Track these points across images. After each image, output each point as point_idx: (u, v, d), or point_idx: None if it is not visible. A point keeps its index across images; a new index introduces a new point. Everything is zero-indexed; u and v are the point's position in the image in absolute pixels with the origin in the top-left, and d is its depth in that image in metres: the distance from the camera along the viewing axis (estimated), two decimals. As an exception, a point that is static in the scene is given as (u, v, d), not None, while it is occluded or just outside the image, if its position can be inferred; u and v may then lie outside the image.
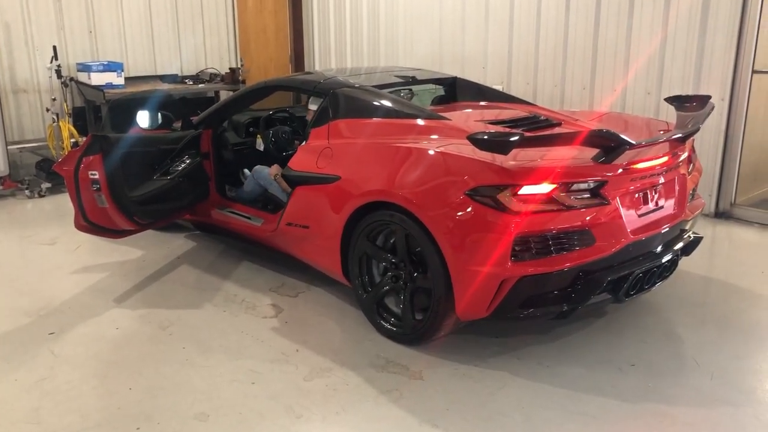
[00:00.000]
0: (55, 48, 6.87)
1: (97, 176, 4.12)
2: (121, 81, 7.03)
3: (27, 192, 6.57)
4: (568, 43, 6.33)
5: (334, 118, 4.04)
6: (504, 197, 3.03)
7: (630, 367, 3.34)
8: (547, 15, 6.44)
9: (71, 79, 7.10)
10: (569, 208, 3.09)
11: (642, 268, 3.32)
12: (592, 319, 3.81)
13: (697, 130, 3.62)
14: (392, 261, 3.55)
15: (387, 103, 3.96)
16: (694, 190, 3.88)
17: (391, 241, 3.56)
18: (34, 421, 2.93)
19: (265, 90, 4.79)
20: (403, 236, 3.42)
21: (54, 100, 6.89)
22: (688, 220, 3.72)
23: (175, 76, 7.97)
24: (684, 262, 3.97)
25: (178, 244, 5.17)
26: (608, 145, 3.13)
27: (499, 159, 3.13)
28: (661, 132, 3.89)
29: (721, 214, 5.69)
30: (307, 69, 9.18)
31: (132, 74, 7.65)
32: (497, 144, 3.04)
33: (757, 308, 4.00)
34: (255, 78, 8.39)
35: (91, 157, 4.12)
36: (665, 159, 3.45)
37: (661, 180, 3.47)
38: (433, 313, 3.34)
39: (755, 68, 5.34)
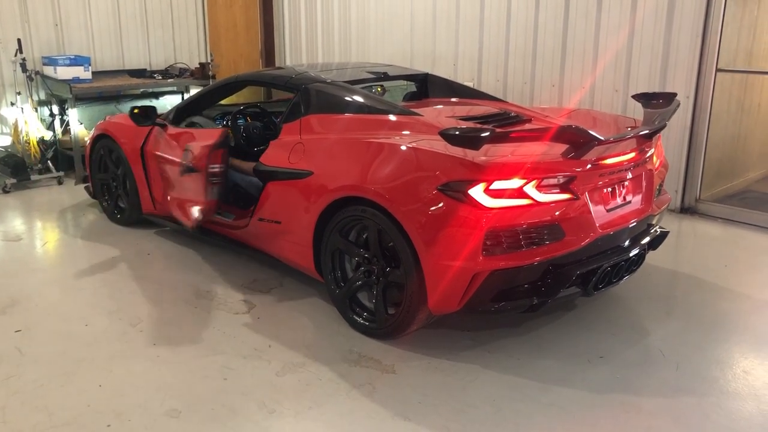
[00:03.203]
0: (19, 41, 6.72)
1: (218, 170, 4.24)
2: (88, 75, 6.91)
3: (-9, 188, 6.44)
4: (537, 42, 6.41)
5: (306, 113, 4.03)
6: (475, 192, 3.06)
7: (599, 359, 3.40)
8: (517, 14, 6.51)
9: (37, 72, 6.95)
10: (539, 203, 3.14)
11: (610, 262, 3.38)
12: (562, 313, 3.87)
13: (664, 126, 3.70)
14: (365, 256, 3.55)
15: (359, 98, 3.97)
16: (660, 185, 3.96)
17: (364, 236, 3.57)
18: (0, 420, 2.88)
19: (236, 85, 4.77)
20: (376, 231, 3.43)
21: (19, 94, 6.75)
22: (655, 215, 3.79)
23: (144, 70, 7.86)
24: (650, 256, 4.05)
25: (147, 240, 5.11)
26: (577, 140, 3.18)
27: (470, 154, 3.16)
28: (629, 128, 3.96)
29: (686, 210, 5.81)
30: (277, 65, 9.13)
31: (99, 69, 7.52)
32: (468, 139, 3.07)
33: (720, 301, 4.10)
34: (225, 73, 8.32)
35: (218, 151, 4.21)
36: (633, 155, 3.52)
37: (629, 175, 3.54)
38: (405, 308, 3.35)
39: (719, 67, 5.46)
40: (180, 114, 4.85)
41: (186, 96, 7.85)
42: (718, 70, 5.47)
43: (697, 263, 4.74)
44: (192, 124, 4.98)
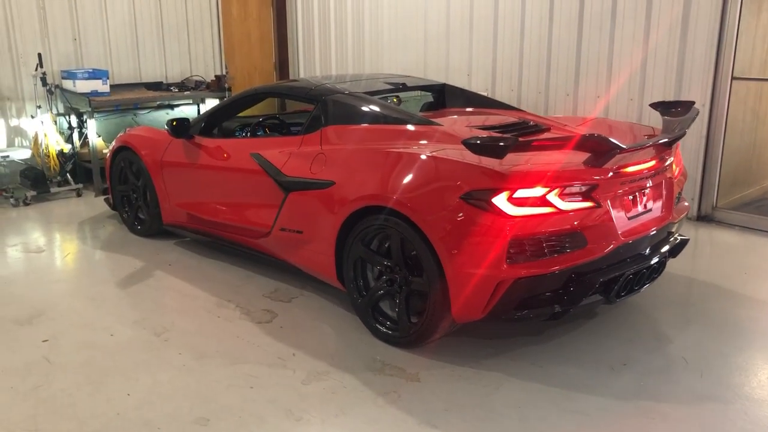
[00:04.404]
0: (40, 55, 6.83)
1: None
2: (106, 89, 7.01)
3: (12, 200, 6.51)
4: (551, 53, 6.44)
5: (327, 124, 4.08)
6: (499, 201, 3.08)
7: (622, 366, 3.41)
8: (531, 26, 6.55)
9: (56, 86, 7.05)
10: (562, 211, 3.16)
11: (632, 270, 3.39)
12: (583, 321, 3.88)
13: (683, 134, 3.72)
14: (387, 265, 3.58)
15: (380, 109, 4.02)
16: (679, 193, 3.97)
17: (386, 245, 3.59)
18: (32, 428, 2.91)
19: (256, 96, 4.83)
20: (399, 240, 3.45)
21: (39, 107, 6.84)
22: (675, 223, 3.81)
23: (160, 83, 7.95)
24: (669, 264, 4.05)
25: (168, 251, 5.16)
26: (600, 149, 3.21)
27: (492, 163, 3.19)
28: (646, 137, 3.98)
29: (703, 217, 5.81)
30: (291, 77, 9.21)
31: (116, 82, 7.62)
32: (493, 148, 3.11)
33: (740, 308, 4.09)
34: (239, 86, 8.41)
35: None
36: (653, 163, 3.54)
37: (649, 183, 3.56)
38: (428, 316, 3.38)
39: (734, 75, 5.48)
40: (208, 125, 4.91)
41: (202, 108, 7.95)
42: (733, 78, 5.48)
43: (716, 271, 4.74)
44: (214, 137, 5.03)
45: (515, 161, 3.26)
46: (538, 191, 3.12)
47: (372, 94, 4.41)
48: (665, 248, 3.67)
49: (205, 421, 2.96)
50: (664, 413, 3.01)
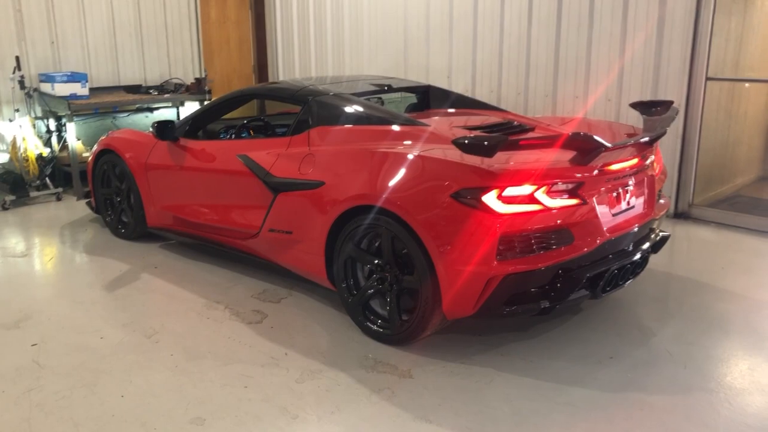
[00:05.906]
0: (17, 58, 6.75)
1: None
2: (85, 92, 6.95)
3: (-10, 205, 6.43)
4: (530, 54, 6.54)
5: (315, 125, 4.11)
6: (488, 199, 3.15)
7: (609, 359, 3.49)
8: (510, 27, 6.64)
9: (34, 89, 6.97)
10: (549, 208, 3.23)
11: (617, 265, 3.48)
12: (568, 316, 3.97)
13: (664, 133, 3.82)
14: (378, 263, 3.62)
15: (368, 110, 4.06)
16: (659, 191, 4.08)
17: (376, 244, 3.64)
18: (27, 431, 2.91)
19: (242, 99, 4.85)
20: (389, 239, 3.50)
21: (17, 111, 6.76)
22: (656, 219, 3.91)
23: (139, 86, 7.91)
24: (650, 260, 4.15)
25: (153, 254, 5.14)
26: (586, 147, 3.29)
27: (482, 162, 3.25)
28: (627, 136, 4.08)
29: (680, 215, 5.95)
30: (271, 79, 9.21)
31: (95, 85, 7.55)
32: (482, 147, 3.17)
33: (719, 302, 4.21)
34: (219, 88, 8.40)
35: None
36: (636, 161, 3.64)
37: (632, 181, 3.65)
38: (420, 313, 3.43)
39: (709, 75, 5.63)
40: (193, 128, 4.91)
41: (181, 110, 7.91)
42: (707, 78, 5.63)
43: (695, 266, 4.86)
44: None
45: (503, 160, 3.33)
46: (526, 189, 3.19)
47: (358, 96, 4.45)
48: (647, 244, 3.77)
49: (201, 420, 2.98)
50: (650, 404, 3.10)
